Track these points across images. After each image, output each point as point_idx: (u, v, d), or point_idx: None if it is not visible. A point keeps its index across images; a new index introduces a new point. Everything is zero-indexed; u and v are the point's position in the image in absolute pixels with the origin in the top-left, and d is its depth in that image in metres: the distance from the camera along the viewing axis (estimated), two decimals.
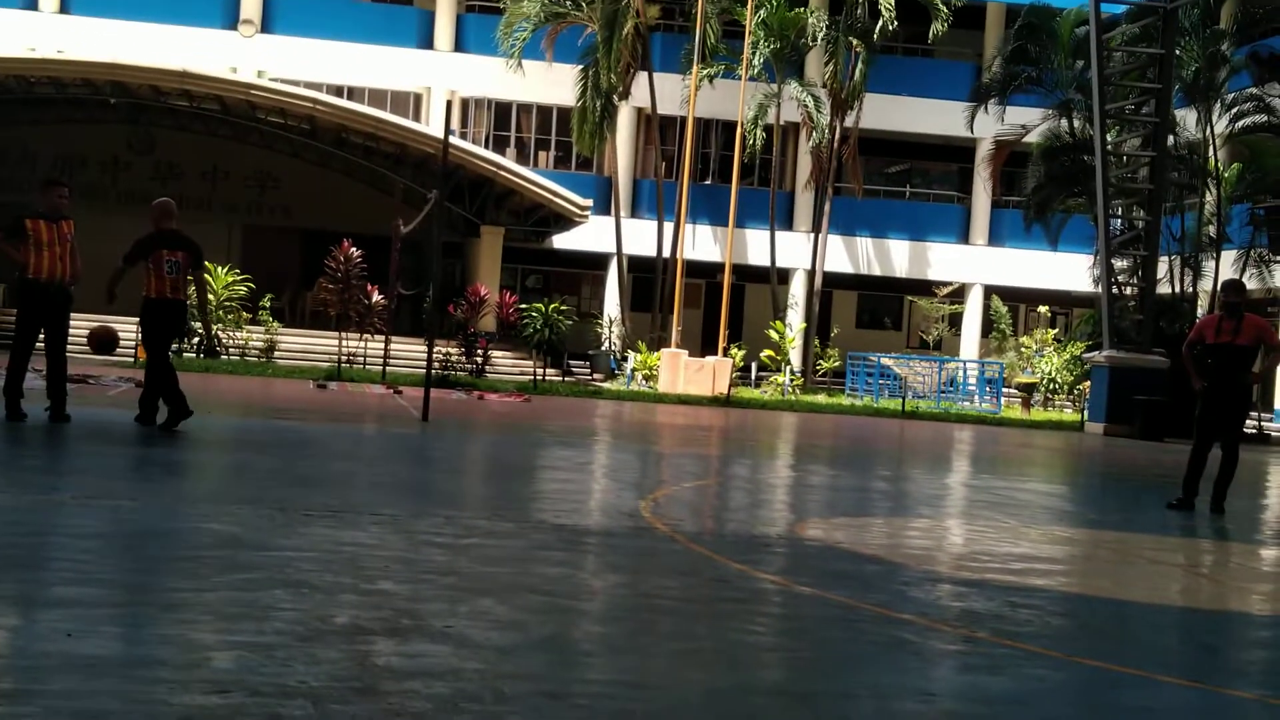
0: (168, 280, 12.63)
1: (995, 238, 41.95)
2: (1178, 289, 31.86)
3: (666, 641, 5.40)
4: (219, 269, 30.56)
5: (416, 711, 3.92)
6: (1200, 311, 31.59)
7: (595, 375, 34.81)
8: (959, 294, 40.82)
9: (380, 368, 28.02)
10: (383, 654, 4.57)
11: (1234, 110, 31.97)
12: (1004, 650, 5.61)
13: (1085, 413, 29.41)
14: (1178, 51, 29.95)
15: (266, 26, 38.77)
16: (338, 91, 37.25)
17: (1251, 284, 30.74)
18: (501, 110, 40.37)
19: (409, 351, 30.61)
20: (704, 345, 37.15)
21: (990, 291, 40.52)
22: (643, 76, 37.57)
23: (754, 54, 35.47)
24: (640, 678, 4.67)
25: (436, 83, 39.29)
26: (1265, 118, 31.53)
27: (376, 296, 29.31)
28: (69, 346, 12.64)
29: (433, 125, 36.37)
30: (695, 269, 37.47)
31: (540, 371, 30.88)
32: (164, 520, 7.38)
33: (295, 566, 6.15)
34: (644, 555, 7.50)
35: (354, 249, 29.46)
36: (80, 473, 9.75)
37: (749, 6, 34.57)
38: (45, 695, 3.84)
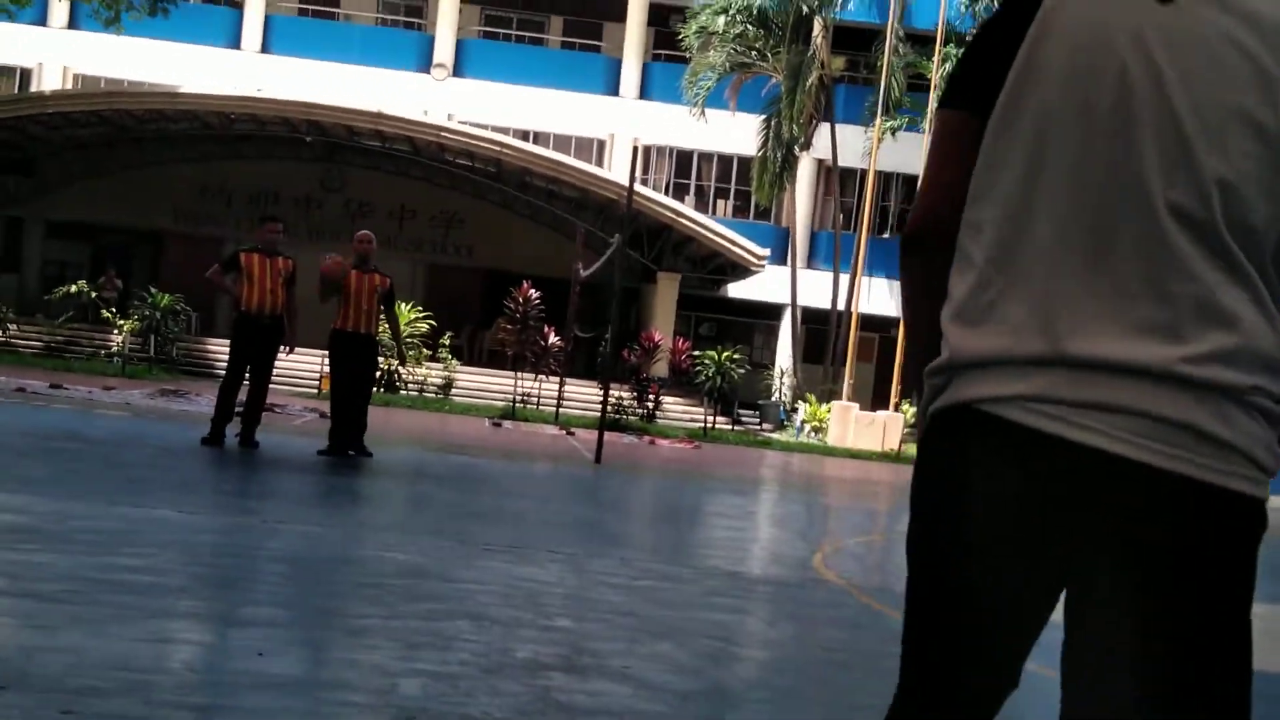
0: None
1: None
2: None
3: (844, 695, 5.38)
4: (403, 306, 31.25)
5: None
6: None
7: (765, 425, 34.70)
8: None
9: (554, 409, 28.34)
10: (564, 690, 4.63)
11: None
12: None
13: None
14: None
15: (458, 70, 39.66)
16: (524, 136, 37.88)
17: None
18: (683, 158, 40.61)
19: (583, 394, 30.90)
20: (875, 400, 36.81)
21: None
22: (825, 128, 37.52)
23: None
24: None
25: (621, 130, 39.75)
26: None
27: (553, 338, 29.67)
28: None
29: (615, 171, 36.76)
30: (870, 323, 37.22)
31: (711, 419, 30.93)
32: (351, 547, 7.58)
33: (476, 599, 6.26)
34: (818, 606, 7.47)
35: (533, 290, 29.88)
36: (273, 497, 10.04)
37: (935, 61, 34.37)
38: (237, 712, 3.98)
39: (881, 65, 34.94)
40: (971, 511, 1.88)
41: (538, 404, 29.70)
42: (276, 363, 13.06)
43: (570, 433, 23.79)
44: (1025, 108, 1.90)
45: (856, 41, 39.17)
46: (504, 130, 36.70)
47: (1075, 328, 1.80)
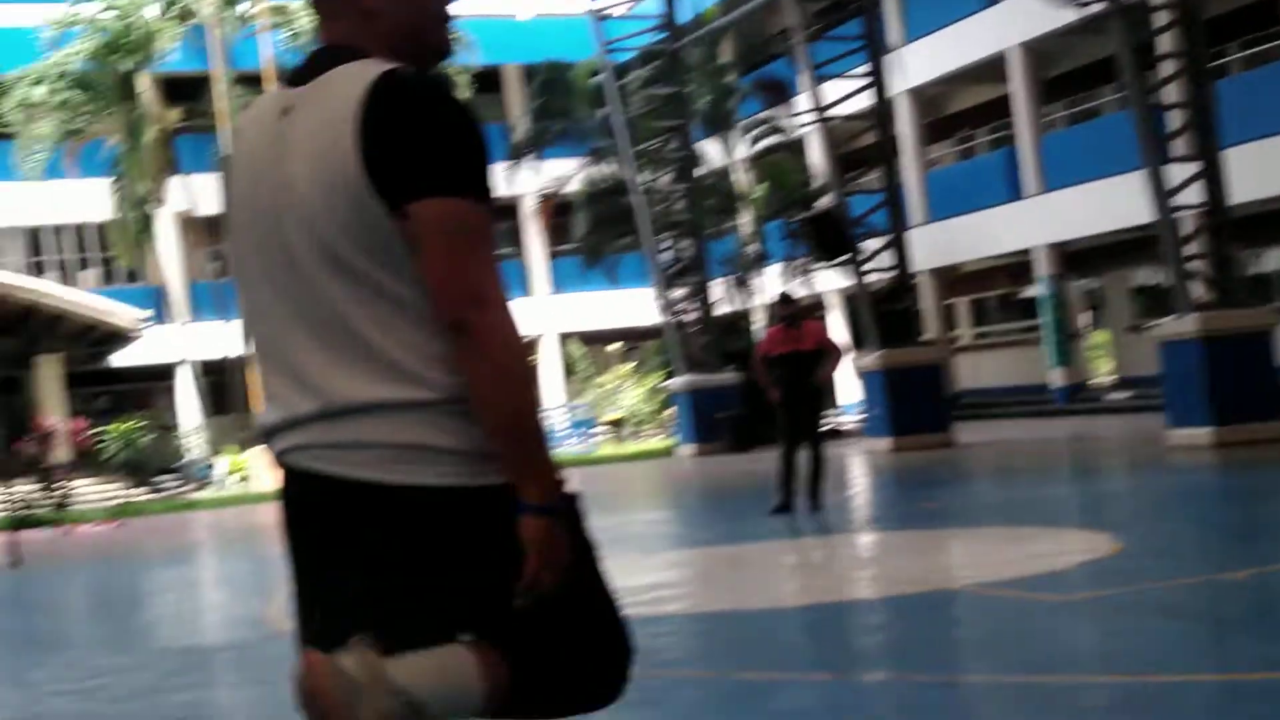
0: None
1: (558, 285, 42.86)
2: (734, 308, 33.43)
3: None
4: None
5: None
6: (756, 326, 33.25)
7: (186, 486, 33.57)
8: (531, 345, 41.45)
9: None
10: None
11: (751, 135, 33.94)
12: (655, 682, 5.81)
13: (677, 438, 30.33)
14: (690, 87, 31.46)
15: None
16: None
17: (800, 292, 32.52)
18: (37, 235, 38.51)
19: None
20: None
21: (565, 338, 41.36)
22: (180, 179, 36.56)
23: None
24: None
25: None
26: (779, 138, 33.63)
27: None
28: None
29: None
30: None
31: (128, 493, 29.59)
32: None
33: None
34: (281, 661, 7.36)
35: None
36: None
37: None
38: None
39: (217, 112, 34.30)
40: (289, 526, 2.53)
41: None
42: None
43: None
44: (231, 230, 2.45)
45: (191, 91, 38.17)
46: None
47: (321, 388, 2.30)
